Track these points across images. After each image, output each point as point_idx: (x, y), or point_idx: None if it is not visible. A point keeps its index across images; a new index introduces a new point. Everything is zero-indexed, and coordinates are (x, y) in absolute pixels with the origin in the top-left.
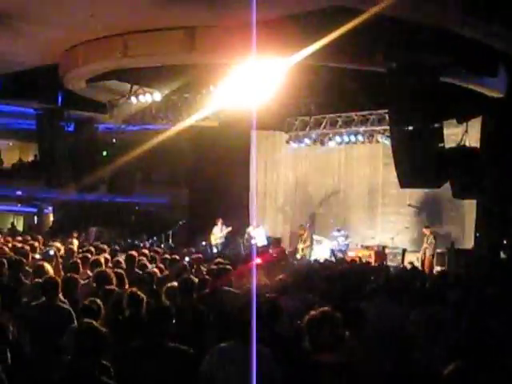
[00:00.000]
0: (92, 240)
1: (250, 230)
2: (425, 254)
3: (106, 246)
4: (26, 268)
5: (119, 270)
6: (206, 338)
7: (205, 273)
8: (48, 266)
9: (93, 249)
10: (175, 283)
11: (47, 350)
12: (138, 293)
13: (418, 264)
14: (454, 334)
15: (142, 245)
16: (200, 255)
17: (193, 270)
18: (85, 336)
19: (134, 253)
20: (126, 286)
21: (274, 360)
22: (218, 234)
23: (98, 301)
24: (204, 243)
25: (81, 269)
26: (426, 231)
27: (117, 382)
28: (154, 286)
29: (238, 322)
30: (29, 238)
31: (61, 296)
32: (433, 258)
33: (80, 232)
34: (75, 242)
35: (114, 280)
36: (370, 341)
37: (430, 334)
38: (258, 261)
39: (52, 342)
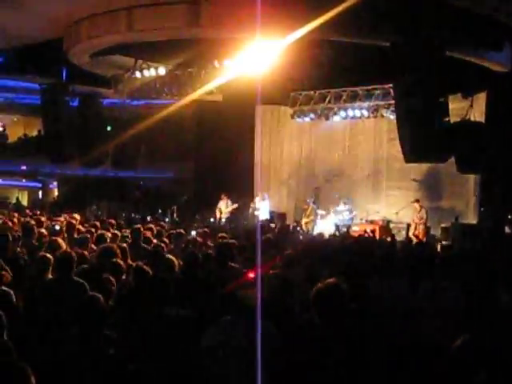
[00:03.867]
0: (93, 216)
1: (257, 201)
2: (416, 228)
3: (112, 221)
4: (33, 242)
5: (123, 245)
6: (210, 309)
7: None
8: (60, 241)
9: (98, 223)
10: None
11: (62, 325)
12: (144, 267)
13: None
14: (460, 308)
15: (148, 219)
16: (206, 229)
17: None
18: (86, 309)
19: (139, 227)
20: (129, 261)
21: (277, 334)
22: (224, 208)
23: (111, 277)
24: (212, 220)
25: (89, 244)
26: (417, 205)
27: (119, 351)
28: None
29: (243, 296)
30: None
31: None
32: (426, 232)
33: (85, 207)
34: (77, 217)
35: (119, 254)
36: (375, 314)
37: (437, 308)
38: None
39: (67, 316)
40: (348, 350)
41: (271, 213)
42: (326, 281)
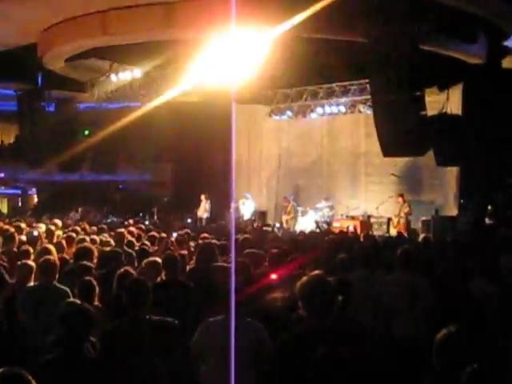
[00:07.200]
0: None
1: (240, 203)
2: (399, 222)
3: (93, 227)
4: (14, 249)
5: (107, 249)
6: (191, 312)
7: (192, 248)
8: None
9: (78, 228)
10: (156, 258)
11: (44, 331)
12: (130, 271)
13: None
14: (430, 301)
15: (126, 223)
16: (188, 230)
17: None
18: (70, 317)
19: (122, 230)
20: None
21: (264, 332)
22: (204, 209)
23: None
24: (189, 220)
25: (66, 249)
26: (400, 200)
27: (102, 356)
28: None
29: (224, 296)
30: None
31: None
32: (407, 225)
33: (66, 212)
34: (58, 223)
35: (96, 255)
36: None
37: (406, 302)
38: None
39: (50, 322)
40: (335, 343)
41: (253, 213)
42: (311, 274)
